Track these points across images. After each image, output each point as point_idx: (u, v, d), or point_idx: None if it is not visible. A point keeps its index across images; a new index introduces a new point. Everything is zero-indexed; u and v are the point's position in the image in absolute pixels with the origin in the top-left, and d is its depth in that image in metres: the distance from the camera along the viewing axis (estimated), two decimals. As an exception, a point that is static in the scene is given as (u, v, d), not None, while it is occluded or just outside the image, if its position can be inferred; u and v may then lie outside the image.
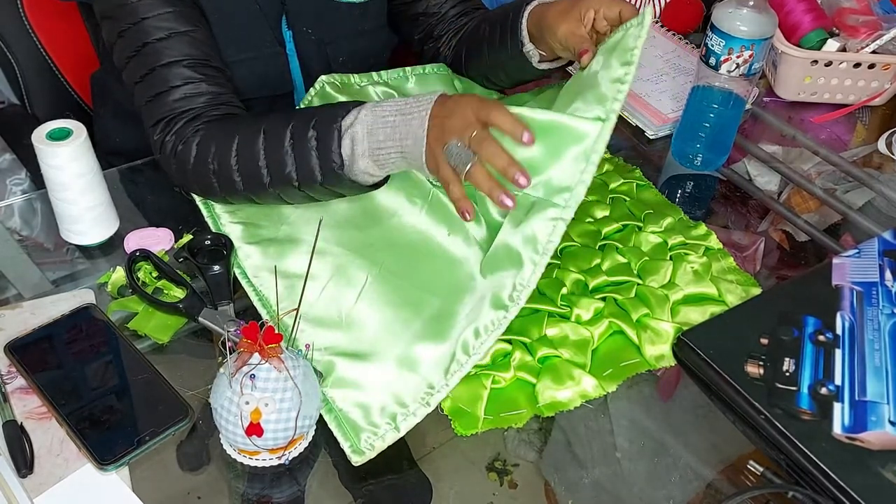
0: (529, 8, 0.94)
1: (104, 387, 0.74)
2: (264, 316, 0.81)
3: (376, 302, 0.83)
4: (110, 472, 0.69)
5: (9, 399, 0.73)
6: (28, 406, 0.73)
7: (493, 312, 0.78)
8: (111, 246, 0.90)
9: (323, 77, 1.02)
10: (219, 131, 0.87)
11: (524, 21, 0.94)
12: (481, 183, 0.75)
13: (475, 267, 0.85)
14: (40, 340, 0.78)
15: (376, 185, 0.86)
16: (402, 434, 0.72)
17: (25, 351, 0.77)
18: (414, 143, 0.78)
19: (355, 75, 1.04)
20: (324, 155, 0.81)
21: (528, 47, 0.95)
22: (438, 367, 0.77)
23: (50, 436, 0.71)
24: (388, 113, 0.80)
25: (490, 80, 1.07)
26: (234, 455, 0.70)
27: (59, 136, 0.83)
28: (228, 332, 0.75)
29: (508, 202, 0.74)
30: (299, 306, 0.69)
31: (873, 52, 1.15)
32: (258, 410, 0.65)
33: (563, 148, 0.76)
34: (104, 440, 0.70)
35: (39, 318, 0.80)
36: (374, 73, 1.05)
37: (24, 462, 0.68)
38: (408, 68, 1.07)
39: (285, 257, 0.86)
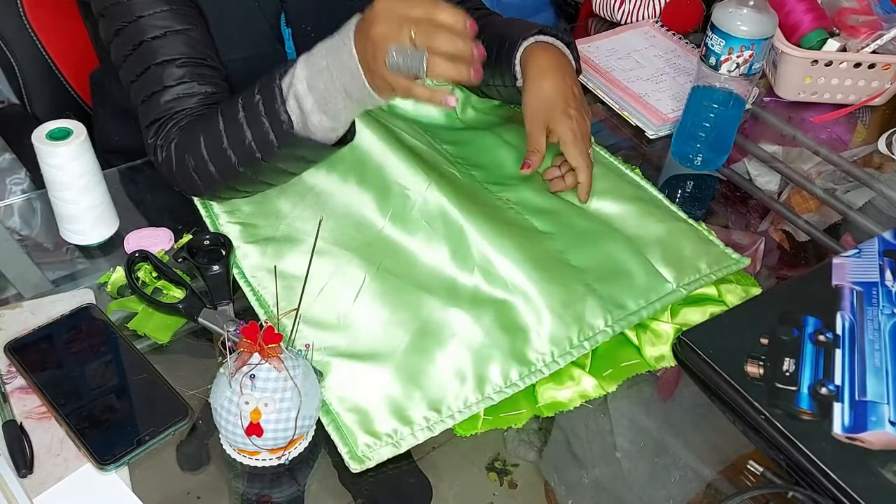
0: (521, 50, 0.96)
1: (104, 387, 0.74)
2: (261, 317, 0.81)
3: (374, 302, 0.82)
4: (110, 472, 0.69)
5: (9, 399, 0.73)
6: (28, 406, 0.73)
7: (516, 365, 0.78)
8: (111, 246, 0.90)
9: None
10: (188, 129, 0.87)
11: (517, 61, 0.96)
12: (447, 71, 0.70)
13: (464, 268, 0.86)
14: (40, 340, 0.78)
15: (343, 142, 0.83)
16: (401, 451, 0.72)
17: (25, 351, 0.77)
18: (352, 77, 0.74)
19: None
20: (272, 117, 0.79)
21: (521, 82, 0.96)
22: (443, 389, 0.76)
23: (50, 436, 0.71)
24: (318, 57, 0.76)
25: (484, 93, 1.08)
26: (234, 455, 0.70)
27: (59, 135, 0.83)
28: (228, 332, 0.75)
29: (476, 76, 0.72)
30: (299, 307, 0.69)
31: (873, 52, 1.15)
32: (258, 410, 0.65)
33: (636, 275, 0.85)
34: (104, 440, 0.70)
35: (39, 318, 0.80)
36: None
37: (23, 462, 0.68)
38: None
39: (283, 257, 0.86)
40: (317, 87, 0.77)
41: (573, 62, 0.99)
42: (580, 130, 0.93)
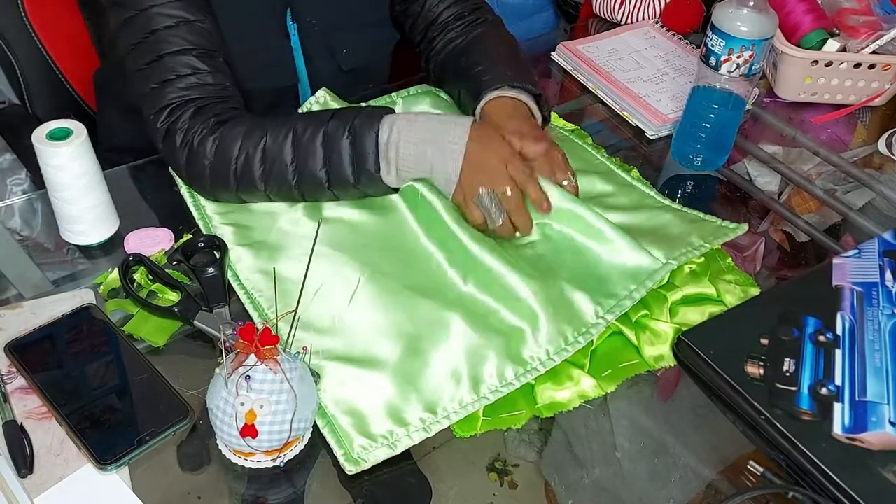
0: (482, 105, 0.94)
1: (104, 387, 0.74)
2: (256, 320, 0.81)
3: (369, 305, 0.82)
4: (110, 472, 0.69)
5: (9, 399, 0.73)
6: (28, 406, 0.73)
7: (511, 365, 0.78)
8: (111, 246, 0.90)
9: (326, 89, 1.02)
10: (241, 131, 0.87)
11: (478, 112, 0.95)
12: (505, 236, 0.87)
13: (459, 271, 0.86)
14: (40, 340, 0.78)
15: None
16: (397, 453, 0.71)
17: (25, 351, 0.77)
18: (445, 180, 0.87)
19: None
20: (360, 159, 0.86)
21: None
22: (438, 390, 0.76)
23: (50, 436, 0.71)
24: (419, 139, 0.86)
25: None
26: (230, 456, 0.70)
27: (60, 136, 0.83)
28: (224, 335, 0.75)
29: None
30: (297, 309, 0.69)
31: (873, 52, 1.15)
32: (253, 412, 0.65)
33: (622, 262, 0.86)
34: (104, 440, 0.70)
35: (39, 318, 0.80)
36: (362, 104, 1.05)
37: (24, 462, 0.68)
38: (394, 94, 1.09)
39: (277, 260, 0.86)
40: (406, 162, 0.87)
41: (538, 114, 0.96)
42: (532, 134, 0.89)
